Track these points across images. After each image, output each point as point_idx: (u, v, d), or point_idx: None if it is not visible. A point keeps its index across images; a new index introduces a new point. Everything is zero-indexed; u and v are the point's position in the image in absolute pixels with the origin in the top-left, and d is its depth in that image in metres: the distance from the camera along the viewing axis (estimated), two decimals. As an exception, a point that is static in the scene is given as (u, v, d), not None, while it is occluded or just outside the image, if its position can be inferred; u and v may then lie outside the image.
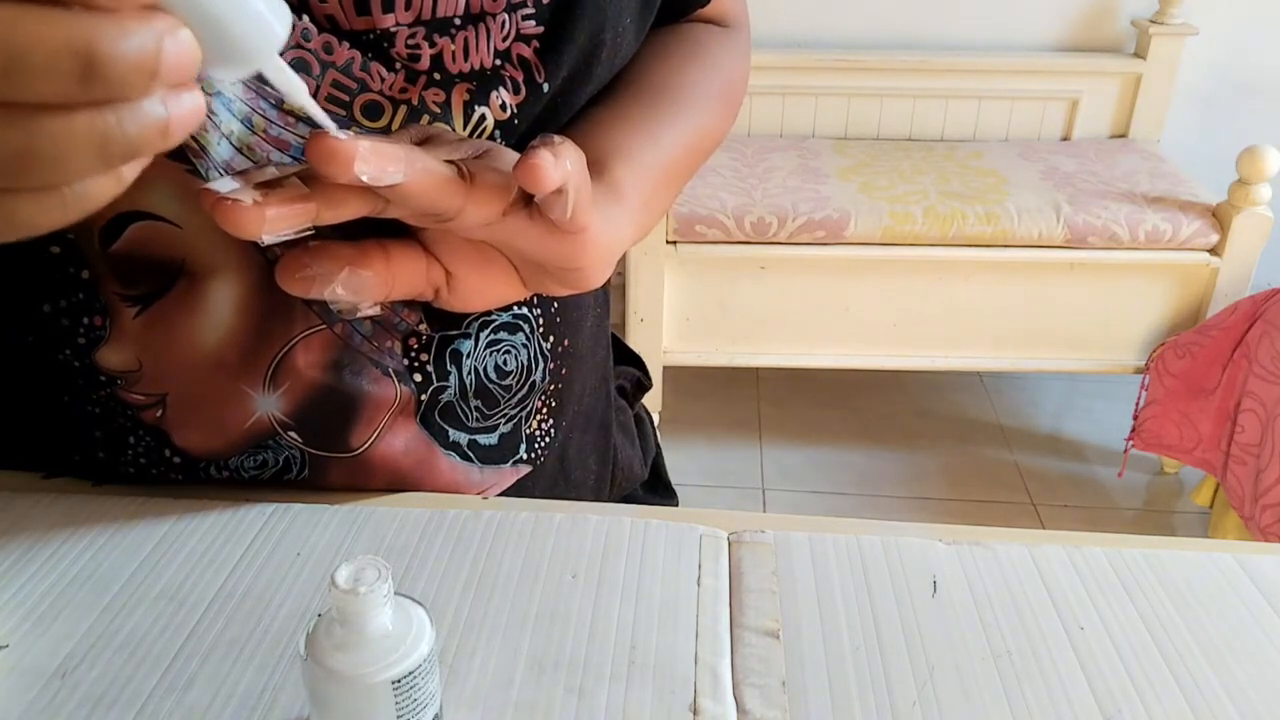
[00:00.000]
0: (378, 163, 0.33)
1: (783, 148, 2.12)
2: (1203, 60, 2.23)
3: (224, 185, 0.34)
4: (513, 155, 0.40)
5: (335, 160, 0.33)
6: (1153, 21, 2.15)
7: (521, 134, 0.47)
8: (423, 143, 0.40)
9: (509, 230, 0.40)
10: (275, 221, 0.34)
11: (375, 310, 0.46)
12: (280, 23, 0.28)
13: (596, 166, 0.46)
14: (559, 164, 0.35)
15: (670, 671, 0.42)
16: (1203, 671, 0.43)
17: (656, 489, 0.74)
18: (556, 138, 0.36)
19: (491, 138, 0.46)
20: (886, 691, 0.41)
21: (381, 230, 0.42)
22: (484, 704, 0.40)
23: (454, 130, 0.45)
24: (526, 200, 0.39)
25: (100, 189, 0.27)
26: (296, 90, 0.31)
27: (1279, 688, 0.42)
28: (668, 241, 1.84)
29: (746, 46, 0.64)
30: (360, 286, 0.40)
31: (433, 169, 0.36)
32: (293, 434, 0.49)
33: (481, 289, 0.44)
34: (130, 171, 0.27)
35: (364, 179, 0.33)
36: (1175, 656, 0.43)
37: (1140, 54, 2.17)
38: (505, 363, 0.52)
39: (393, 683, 0.34)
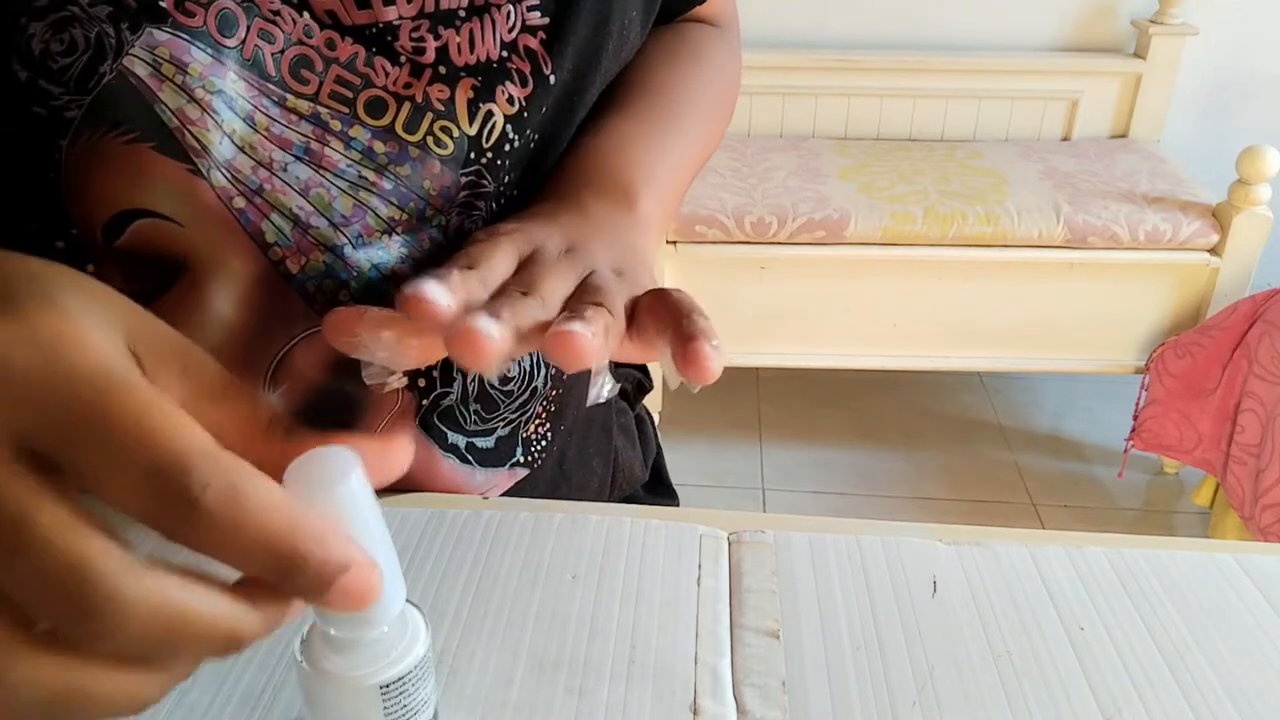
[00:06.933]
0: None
1: (783, 148, 2.12)
2: (1203, 60, 2.23)
3: (483, 324, 0.35)
4: (607, 280, 0.40)
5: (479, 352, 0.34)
6: (1153, 21, 2.15)
7: (533, 129, 0.47)
8: (529, 257, 0.40)
9: None
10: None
11: (402, 382, 0.46)
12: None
13: (626, 195, 0.47)
14: (719, 354, 0.35)
15: (670, 671, 0.42)
16: (1203, 671, 0.43)
17: (657, 489, 0.74)
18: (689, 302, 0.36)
19: (502, 134, 0.46)
20: (886, 691, 0.41)
21: None
22: (484, 704, 0.40)
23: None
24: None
25: None
26: None
27: (1279, 688, 0.42)
28: (668, 241, 1.84)
29: (738, 45, 0.65)
30: (402, 355, 0.39)
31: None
32: None
33: None
34: None
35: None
36: (1175, 656, 0.43)
37: (1140, 54, 2.17)
38: (509, 369, 0.52)
39: (383, 686, 0.33)
